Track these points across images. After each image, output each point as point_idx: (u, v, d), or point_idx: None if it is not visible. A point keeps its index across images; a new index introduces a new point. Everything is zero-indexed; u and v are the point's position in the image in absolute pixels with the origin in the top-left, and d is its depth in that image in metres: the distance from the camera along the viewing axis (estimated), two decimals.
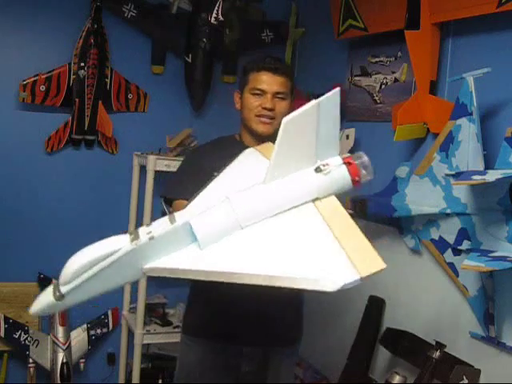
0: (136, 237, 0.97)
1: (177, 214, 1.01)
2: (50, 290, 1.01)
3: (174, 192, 1.67)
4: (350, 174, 1.00)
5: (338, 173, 0.99)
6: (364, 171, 1.02)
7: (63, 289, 0.98)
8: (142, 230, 0.99)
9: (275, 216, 0.97)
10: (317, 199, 0.98)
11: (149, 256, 0.97)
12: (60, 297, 0.98)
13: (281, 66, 1.74)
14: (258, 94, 1.70)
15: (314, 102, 0.92)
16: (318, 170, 0.98)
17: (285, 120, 0.92)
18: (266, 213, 0.97)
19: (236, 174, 1.24)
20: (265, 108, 1.69)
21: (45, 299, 1.01)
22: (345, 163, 1.00)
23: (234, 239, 0.96)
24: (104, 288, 1.00)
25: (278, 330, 1.78)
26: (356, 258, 0.84)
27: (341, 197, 1.01)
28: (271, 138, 1.72)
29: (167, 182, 1.90)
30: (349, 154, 1.02)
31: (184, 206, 1.06)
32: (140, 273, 0.99)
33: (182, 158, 2.02)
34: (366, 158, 1.03)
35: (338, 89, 0.95)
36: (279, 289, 0.85)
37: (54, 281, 1.01)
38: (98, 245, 0.99)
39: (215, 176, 1.66)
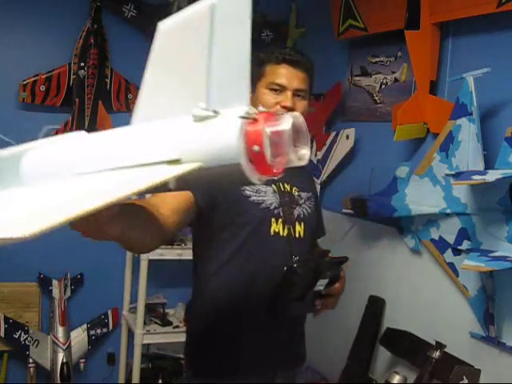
0: None
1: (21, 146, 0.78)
2: None
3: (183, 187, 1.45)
4: (242, 138, 0.58)
5: (224, 129, 0.59)
6: (279, 146, 0.60)
7: None
8: None
9: (121, 170, 0.64)
10: (177, 162, 0.61)
11: None
12: None
13: (303, 60, 1.52)
14: (276, 90, 1.48)
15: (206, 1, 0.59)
16: (197, 117, 0.60)
17: (161, 26, 0.63)
18: (108, 162, 0.66)
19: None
20: (284, 107, 1.46)
21: None
22: (245, 118, 0.59)
23: (62, 184, 0.67)
24: None
25: (299, 349, 1.64)
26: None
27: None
28: None
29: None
30: (264, 109, 0.63)
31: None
32: None
33: None
34: (287, 125, 0.61)
35: None
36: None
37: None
38: None
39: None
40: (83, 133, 0.75)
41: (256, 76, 1.52)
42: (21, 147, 0.77)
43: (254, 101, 1.54)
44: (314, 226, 1.61)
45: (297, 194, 1.57)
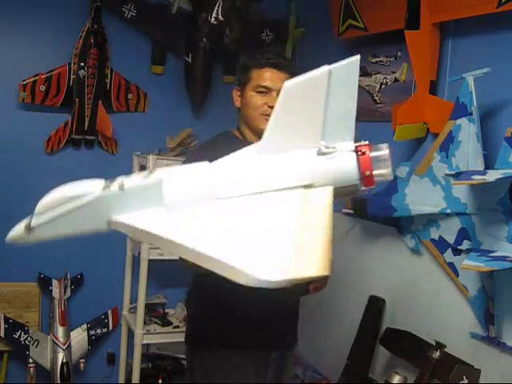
0: (108, 185, 0.91)
1: (156, 171, 0.92)
2: (26, 220, 0.99)
3: None
4: (358, 166, 0.82)
5: (344, 161, 0.82)
6: (380, 168, 0.83)
7: (34, 221, 0.96)
8: (117, 180, 0.91)
9: (258, 194, 0.83)
10: (310, 186, 0.82)
11: (116, 207, 0.90)
12: (29, 229, 0.96)
13: (284, 62, 1.68)
14: (262, 92, 1.63)
15: (324, 68, 0.76)
16: (320, 152, 0.81)
17: (287, 84, 0.79)
18: (246, 188, 0.84)
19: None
20: (271, 106, 1.59)
21: (19, 229, 1.00)
22: (356, 151, 0.83)
23: (202, 209, 0.84)
24: (69, 230, 0.95)
25: (291, 331, 1.79)
26: (295, 258, 0.70)
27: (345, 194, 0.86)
28: None
29: None
30: (366, 142, 0.85)
31: None
32: (105, 224, 0.92)
33: (181, 159, 1.96)
34: (386, 152, 0.84)
35: (357, 56, 0.79)
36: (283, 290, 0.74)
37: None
38: (75, 184, 0.94)
39: None
40: (207, 163, 0.90)
41: (243, 81, 1.67)
42: (153, 177, 0.90)
43: (244, 103, 1.68)
44: None
45: None
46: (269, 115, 1.59)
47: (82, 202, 0.91)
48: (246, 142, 1.67)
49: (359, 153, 0.82)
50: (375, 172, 0.83)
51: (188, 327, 1.83)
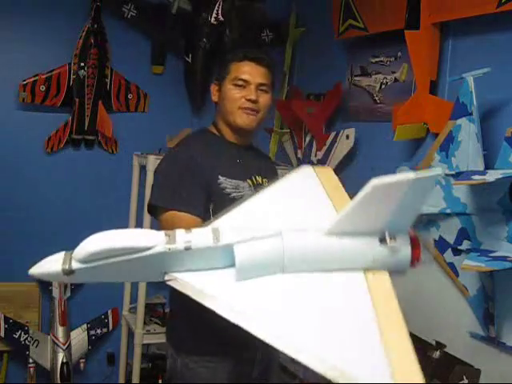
0: (172, 241, 0.88)
1: (222, 232, 0.91)
2: (59, 257, 0.92)
3: (173, 202, 1.50)
4: (411, 257, 0.93)
5: (401, 252, 0.92)
6: (423, 259, 0.95)
7: (75, 265, 0.88)
8: (180, 236, 0.89)
9: (322, 272, 0.89)
10: (368, 271, 0.91)
11: (178, 265, 0.89)
12: (69, 272, 0.89)
13: (264, 57, 1.66)
14: (240, 86, 1.61)
15: (411, 174, 0.81)
16: (382, 241, 0.90)
17: (374, 183, 0.82)
18: (314, 265, 0.89)
19: (287, 195, 1.12)
20: (249, 100, 1.60)
21: (51, 267, 0.92)
22: (411, 244, 0.92)
23: (270, 282, 0.87)
24: (118, 278, 0.93)
25: None
26: (395, 362, 0.74)
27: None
28: (251, 131, 1.70)
29: (158, 189, 1.59)
30: (415, 234, 0.94)
31: (204, 224, 0.97)
32: (161, 277, 0.90)
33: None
34: (432, 245, 0.95)
35: (439, 170, 0.85)
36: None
37: (65, 253, 0.92)
38: (130, 234, 0.89)
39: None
40: (291, 233, 0.92)
41: (222, 74, 1.65)
42: (224, 241, 0.90)
43: (221, 97, 1.66)
44: None
45: (267, 184, 1.66)
46: (246, 109, 1.61)
47: (143, 255, 0.87)
48: (224, 140, 1.67)
49: (414, 245, 0.92)
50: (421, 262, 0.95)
51: (173, 327, 1.76)
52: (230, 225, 0.94)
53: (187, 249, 0.87)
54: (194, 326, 1.59)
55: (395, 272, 0.95)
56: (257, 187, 1.63)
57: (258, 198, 1.09)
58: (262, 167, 1.74)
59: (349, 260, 0.91)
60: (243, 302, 0.84)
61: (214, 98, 1.70)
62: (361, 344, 0.78)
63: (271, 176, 1.73)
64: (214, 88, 1.70)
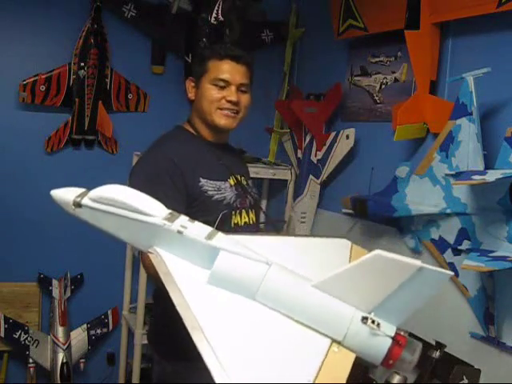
0: (171, 220, 0.92)
1: (218, 236, 0.93)
2: (78, 190, 1.01)
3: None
4: (387, 352, 0.84)
5: (379, 343, 0.84)
6: (403, 365, 0.85)
7: (85, 201, 0.98)
8: (180, 220, 0.93)
9: (289, 319, 0.86)
10: (336, 344, 0.84)
11: (166, 243, 0.93)
12: (77, 204, 0.99)
13: (244, 55, 1.59)
14: (220, 86, 1.55)
15: (418, 262, 0.78)
16: (364, 320, 0.83)
17: (379, 252, 0.79)
18: (285, 307, 0.86)
19: (311, 254, 1.09)
20: (230, 101, 1.55)
21: (67, 194, 1.02)
22: (394, 340, 0.83)
23: (236, 301, 0.87)
24: (112, 230, 0.97)
25: None
26: None
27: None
28: (228, 132, 1.68)
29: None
30: (406, 335, 0.85)
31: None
32: (146, 247, 0.95)
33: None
34: (415, 358, 0.85)
35: (450, 273, 0.80)
36: None
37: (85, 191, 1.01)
38: (143, 198, 0.96)
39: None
40: (279, 267, 0.90)
41: (200, 71, 1.59)
42: (215, 242, 0.91)
43: (199, 96, 1.60)
44: (259, 211, 1.75)
45: (245, 182, 1.68)
46: (226, 109, 1.57)
47: (140, 218, 0.93)
48: (201, 139, 1.63)
49: (395, 342, 0.84)
50: (397, 364, 0.85)
51: (156, 329, 1.69)
52: (237, 240, 0.95)
53: (179, 232, 0.91)
54: (178, 330, 1.57)
55: (363, 361, 0.87)
56: (237, 186, 1.61)
57: (281, 241, 1.09)
58: (239, 165, 1.75)
59: (321, 321, 0.85)
60: (200, 305, 0.85)
61: (191, 95, 1.63)
62: None
63: (246, 172, 1.78)
64: (189, 84, 1.63)
